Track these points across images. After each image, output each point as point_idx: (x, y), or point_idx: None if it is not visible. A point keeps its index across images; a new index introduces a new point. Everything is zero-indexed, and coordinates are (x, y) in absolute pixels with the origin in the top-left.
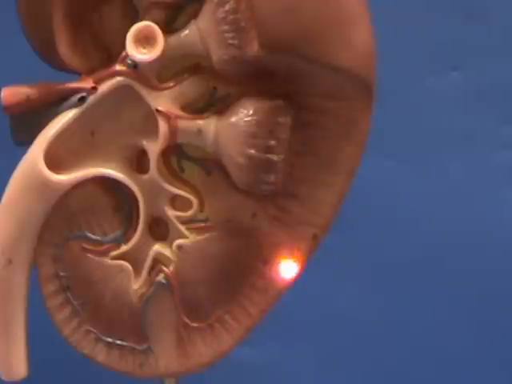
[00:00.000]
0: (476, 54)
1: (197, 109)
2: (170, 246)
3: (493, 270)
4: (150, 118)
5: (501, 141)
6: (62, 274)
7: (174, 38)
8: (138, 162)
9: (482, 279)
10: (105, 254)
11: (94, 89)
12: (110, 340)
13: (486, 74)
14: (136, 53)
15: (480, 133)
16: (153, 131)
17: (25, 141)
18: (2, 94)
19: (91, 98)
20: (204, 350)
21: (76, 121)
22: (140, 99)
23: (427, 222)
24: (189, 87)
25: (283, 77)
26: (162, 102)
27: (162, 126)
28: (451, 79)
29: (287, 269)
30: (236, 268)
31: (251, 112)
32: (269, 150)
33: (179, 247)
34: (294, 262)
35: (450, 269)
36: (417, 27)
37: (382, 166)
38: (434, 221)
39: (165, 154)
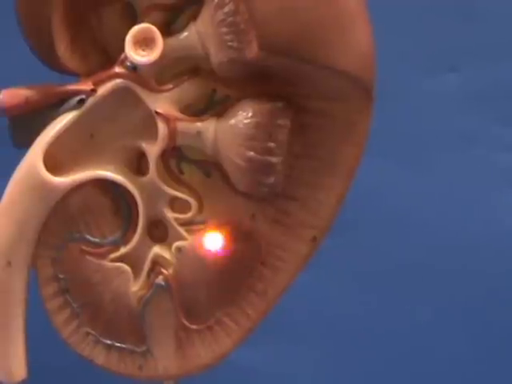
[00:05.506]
0: (474, 55)
1: (196, 111)
2: (169, 248)
3: (493, 271)
4: (149, 120)
5: (500, 143)
6: (61, 276)
7: (173, 40)
8: (137, 164)
9: (482, 281)
10: (104, 256)
11: (93, 91)
12: (109, 342)
13: (484, 75)
14: (135, 55)
15: (479, 134)
16: (152, 133)
17: (24, 143)
18: (2, 95)
19: (90, 100)
20: (203, 352)
21: (75, 123)
22: (139, 101)
23: (426, 224)
24: (188, 89)
25: (282, 79)
26: (161, 104)
27: (161, 128)
28: (449, 81)
29: None
30: (235, 270)
31: (250, 114)
32: (268, 152)
33: (178, 249)
34: None
35: (450, 271)
36: (415, 29)
37: (381, 168)
38: (434, 222)
39: (164, 156)
